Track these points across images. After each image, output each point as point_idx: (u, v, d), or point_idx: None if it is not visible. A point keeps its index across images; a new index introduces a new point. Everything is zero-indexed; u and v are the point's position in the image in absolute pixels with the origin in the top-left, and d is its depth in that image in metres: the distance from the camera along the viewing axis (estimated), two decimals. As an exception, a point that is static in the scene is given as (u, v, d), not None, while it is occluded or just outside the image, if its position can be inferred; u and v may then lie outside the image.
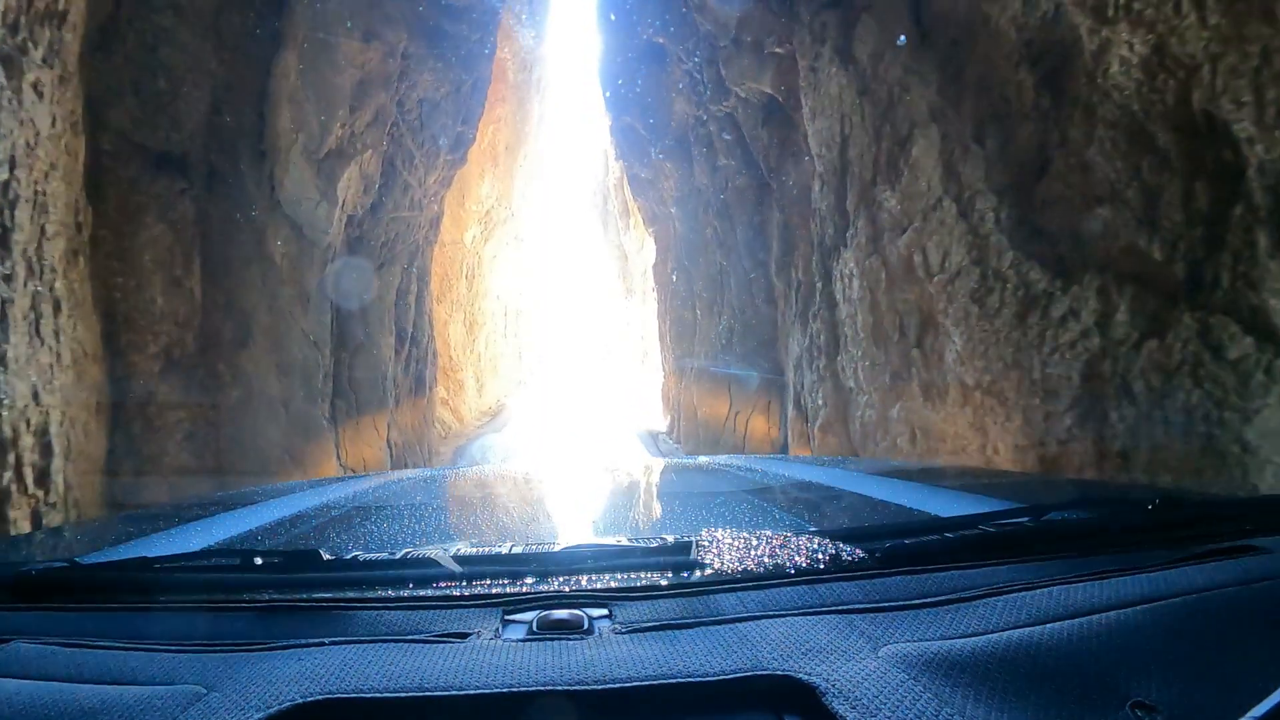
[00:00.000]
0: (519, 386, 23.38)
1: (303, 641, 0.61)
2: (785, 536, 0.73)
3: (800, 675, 0.53)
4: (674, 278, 10.99)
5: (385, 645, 0.59)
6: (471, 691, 0.53)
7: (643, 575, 0.70)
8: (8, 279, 3.39)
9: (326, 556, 0.75)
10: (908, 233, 3.86)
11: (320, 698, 0.52)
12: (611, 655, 0.56)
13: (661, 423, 12.05)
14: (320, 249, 6.31)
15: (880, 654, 0.55)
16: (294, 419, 5.69)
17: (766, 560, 0.70)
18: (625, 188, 16.48)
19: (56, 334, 3.84)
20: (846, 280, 4.61)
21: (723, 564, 0.70)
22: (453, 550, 0.75)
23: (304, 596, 0.69)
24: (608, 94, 12.02)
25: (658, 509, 1.36)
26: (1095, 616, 0.59)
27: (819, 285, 5.22)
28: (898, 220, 3.96)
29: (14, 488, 3.39)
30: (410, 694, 0.53)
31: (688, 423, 9.54)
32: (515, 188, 16.62)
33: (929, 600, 0.64)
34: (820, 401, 5.35)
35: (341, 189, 6.24)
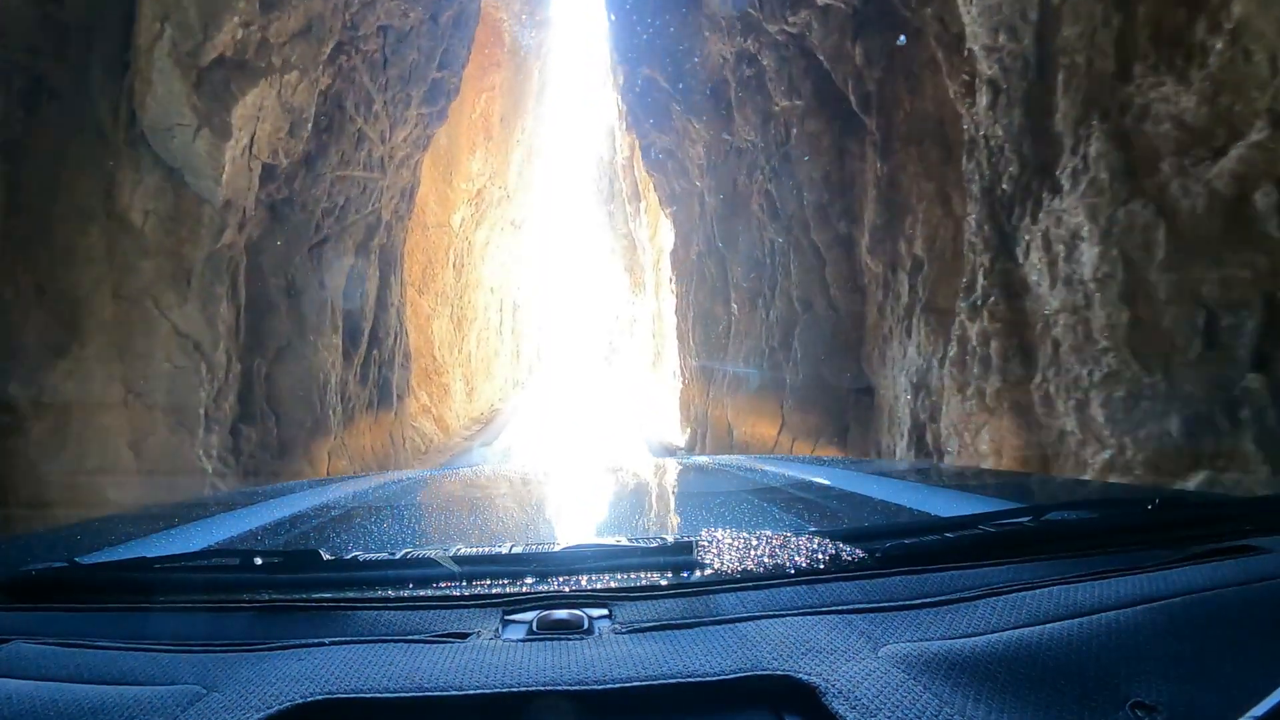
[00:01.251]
0: (515, 389, 21.16)
1: (303, 641, 0.59)
2: (785, 536, 0.71)
3: (800, 675, 0.51)
4: (700, 265, 8.36)
5: (385, 645, 0.58)
6: (471, 691, 0.51)
7: (643, 575, 0.68)
8: None
9: (326, 556, 0.72)
10: (1232, 154, 2.16)
11: (320, 698, 0.50)
12: (611, 655, 0.55)
13: (679, 436, 11.43)
14: (214, 208, 3.53)
15: (880, 654, 0.53)
16: (152, 466, 3.02)
17: (766, 560, 0.68)
18: (637, 165, 14.06)
19: None
20: (1062, 247, 2.73)
21: (723, 564, 0.68)
22: (452, 550, 0.73)
23: (304, 596, 0.67)
24: (620, 39, 9.36)
25: (658, 509, 1.31)
26: (1095, 616, 0.57)
27: (984, 261, 3.29)
28: (1197, 133, 2.26)
29: None
30: (410, 694, 0.51)
31: (718, 441, 8.58)
32: (511, 166, 14.41)
33: (929, 600, 0.62)
34: (984, 446, 3.40)
35: (242, 119, 3.49)
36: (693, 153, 9.26)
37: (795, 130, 5.77)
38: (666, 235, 11.84)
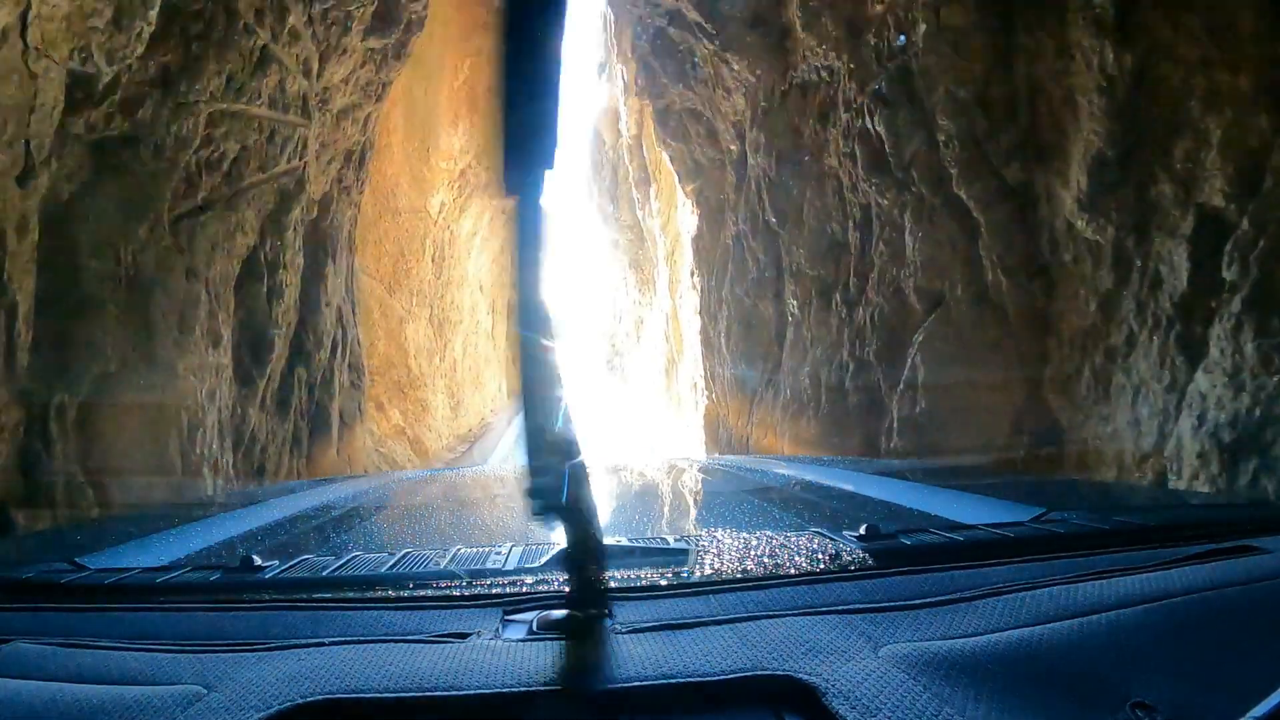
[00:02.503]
0: (511, 398, 18.58)
1: (302, 641, 0.62)
2: (785, 536, 0.75)
3: (800, 675, 0.54)
4: (738, 249, 5.79)
5: (385, 645, 0.61)
6: (471, 691, 0.53)
7: (643, 575, 0.71)
8: None
9: (325, 559, 0.77)
10: None
11: (320, 698, 0.52)
12: (612, 655, 0.57)
13: (706, 464, 6.65)
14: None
15: (880, 654, 0.56)
16: None
17: (766, 560, 0.70)
18: (648, 144, 11.97)
19: None
20: None
21: (723, 564, 0.71)
22: (452, 550, 0.76)
23: (304, 596, 0.71)
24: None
25: (658, 509, 1.33)
26: (1095, 616, 0.59)
27: None
28: None
29: None
30: (410, 694, 0.53)
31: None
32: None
33: (929, 600, 0.65)
34: None
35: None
36: (726, 107, 7.19)
37: (920, 31, 3.62)
38: (687, 219, 9.78)
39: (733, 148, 8.18)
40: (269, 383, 5.81)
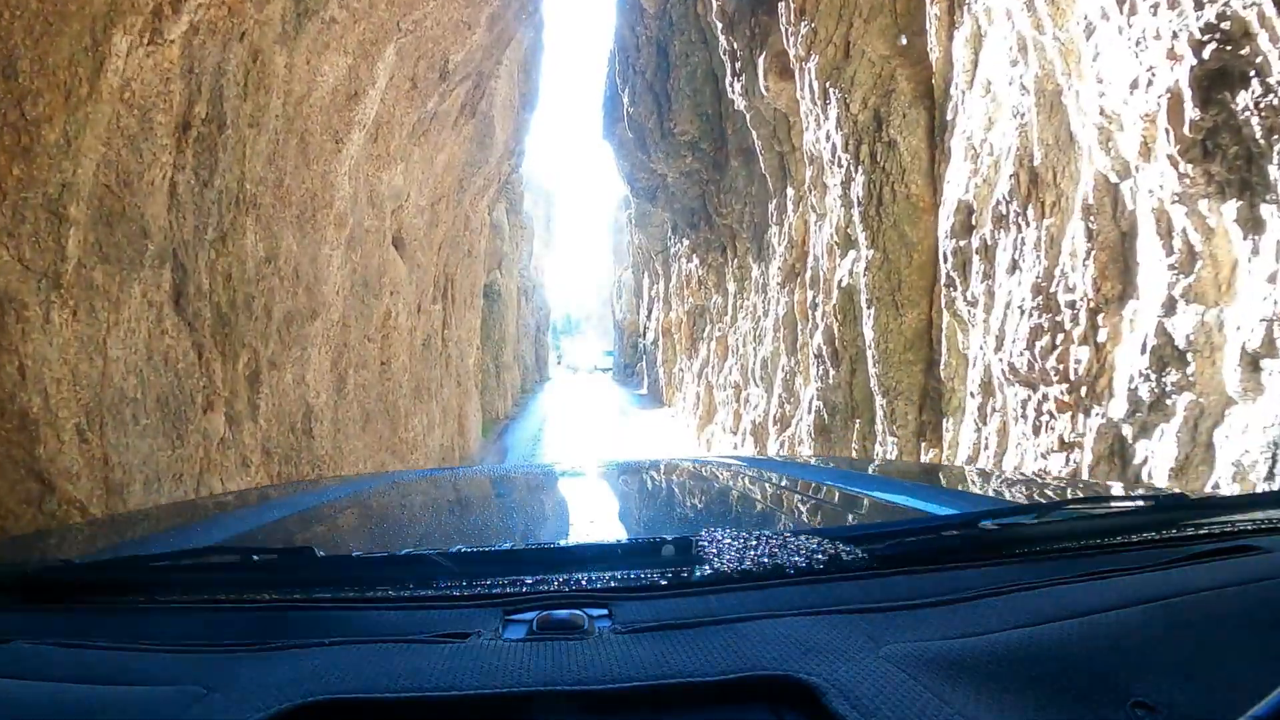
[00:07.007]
0: (490, 442, 11.37)
1: (303, 641, 0.65)
2: (785, 536, 0.77)
3: (800, 675, 0.56)
4: None
5: (385, 645, 0.64)
6: (471, 692, 0.56)
7: (643, 575, 0.75)
8: None
9: (326, 556, 0.79)
10: None
11: (320, 698, 0.54)
12: (611, 655, 0.60)
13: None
14: None
15: (880, 654, 0.59)
16: None
17: (766, 560, 0.73)
18: None
19: None
20: None
21: (722, 564, 0.74)
22: (453, 550, 0.79)
23: (303, 596, 0.74)
24: None
25: (658, 509, 1.39)
26: (1095, 616, 0.62)
27: None
28: None
29: None
30: (410, 694, 0.56)
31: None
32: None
33: (929, 600, 0.68)
34: None
35: None
36: None
37: None
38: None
39: None
40: None
